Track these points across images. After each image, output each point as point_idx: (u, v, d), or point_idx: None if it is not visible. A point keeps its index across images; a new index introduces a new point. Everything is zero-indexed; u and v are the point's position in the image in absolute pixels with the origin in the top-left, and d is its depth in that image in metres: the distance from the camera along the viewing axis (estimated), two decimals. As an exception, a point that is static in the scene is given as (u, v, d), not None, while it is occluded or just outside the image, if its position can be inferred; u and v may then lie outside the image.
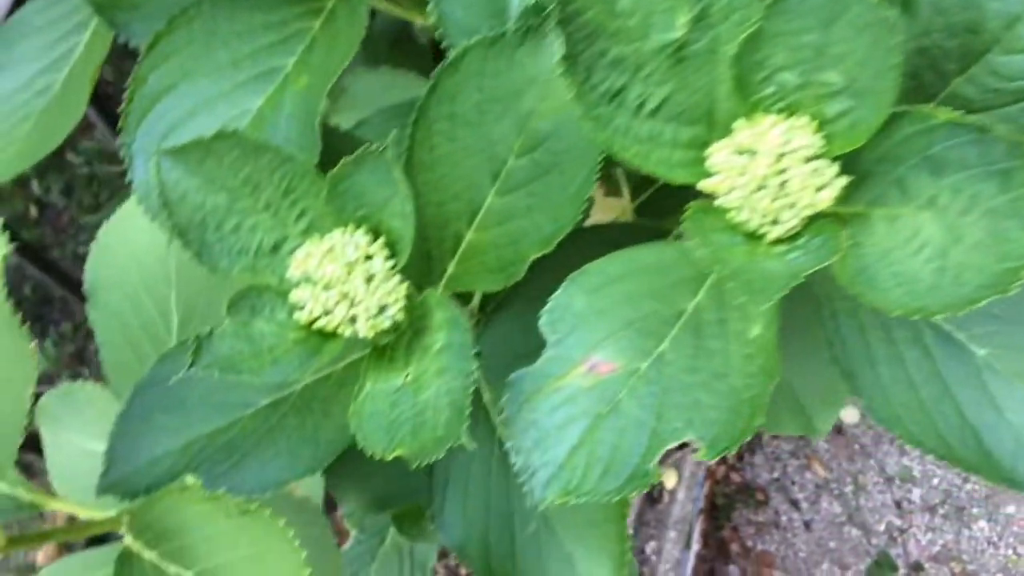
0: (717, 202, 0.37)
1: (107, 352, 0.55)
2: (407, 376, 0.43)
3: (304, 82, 0.53)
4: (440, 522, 0.57)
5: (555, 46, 0.45)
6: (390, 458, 0.40)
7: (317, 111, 0.50)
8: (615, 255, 0.45)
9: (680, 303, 0.44)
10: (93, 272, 0.54)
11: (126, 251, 0.55)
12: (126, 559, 0.46)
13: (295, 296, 0.43)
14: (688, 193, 0.41)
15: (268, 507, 0.41)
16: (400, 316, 0.43)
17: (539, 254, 0.48)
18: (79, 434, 0.58)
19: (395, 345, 0.45)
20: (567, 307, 0.44)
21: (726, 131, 0.37)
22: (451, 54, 0.47)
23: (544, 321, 0.43)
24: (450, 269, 0.49)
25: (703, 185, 0.37)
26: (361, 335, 0.43)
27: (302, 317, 0.43)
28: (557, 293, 0.44)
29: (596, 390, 0.42)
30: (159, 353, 0.56)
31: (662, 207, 0.70)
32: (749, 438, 0.39)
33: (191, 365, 0.40)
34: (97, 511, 0.50)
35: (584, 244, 0.48)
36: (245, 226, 0.45)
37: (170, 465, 0.48)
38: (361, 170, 0.42)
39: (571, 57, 0.35)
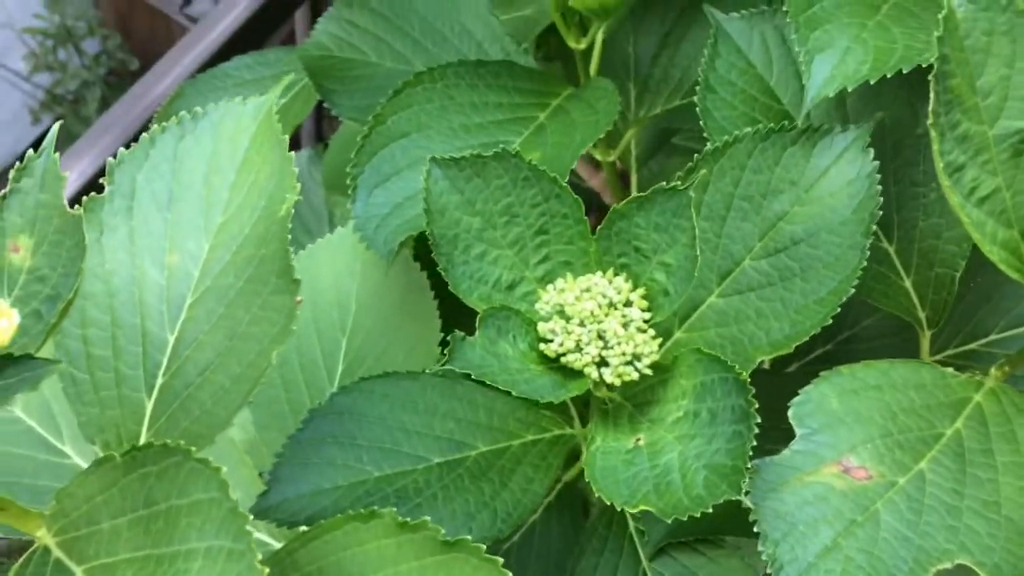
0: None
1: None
2: (637, 440, 0.40)
3: (536, 156, 0.53)
4: (574, 654, 0.50)
5: (836, 145, 0.46)
6: (634, 511, 0.36)
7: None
8: (869, 364, 0.42)
9: (938, 425, 0.41)
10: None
11: (305, 288, 0.52)
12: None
13: (543, 328, 0.40)
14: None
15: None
16: (648, 371, 0.40)
17: (770, 356, 0.45)
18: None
19: (618, 411, 0.42)
20: (820, 403, 0.41)
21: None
22: (710, 145, 0.47)
23: (794, 413, 0.40)
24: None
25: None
26: (607, 379, 0.39)
27: (549, 350, 0.40)
28: (808, 388, 0.41)
29: (850, 495, 0.39)
30: (313, 398, 0.52)
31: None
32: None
33: (445, 362, 0.36)
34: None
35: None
36: (489, 256, 0.43)
37: (335, 500, 0.43)
38: (646, 210, 0.40)
39: (936, 114, 0.34)
